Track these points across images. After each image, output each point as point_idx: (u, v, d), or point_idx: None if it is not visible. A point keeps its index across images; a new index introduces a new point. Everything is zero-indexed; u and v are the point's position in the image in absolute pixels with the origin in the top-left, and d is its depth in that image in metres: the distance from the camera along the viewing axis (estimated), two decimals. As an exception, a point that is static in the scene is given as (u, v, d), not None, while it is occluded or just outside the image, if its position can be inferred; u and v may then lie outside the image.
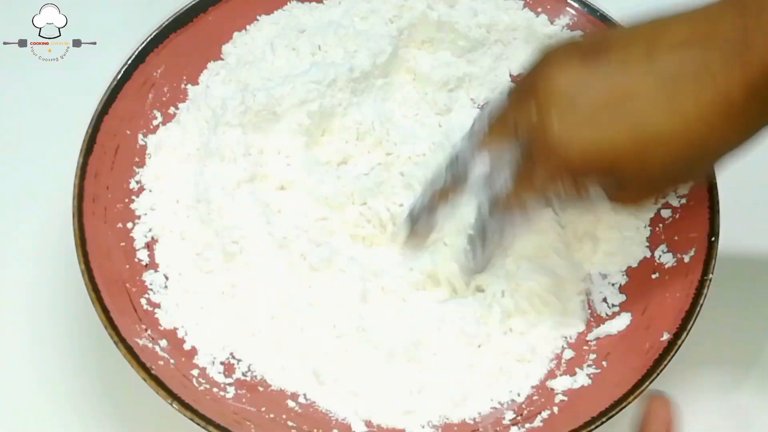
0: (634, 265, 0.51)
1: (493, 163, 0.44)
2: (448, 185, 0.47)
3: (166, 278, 0.49)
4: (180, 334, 0.47)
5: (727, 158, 0.42)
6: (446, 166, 0.47)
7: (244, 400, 0.45)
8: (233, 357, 0.47)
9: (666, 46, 0.41)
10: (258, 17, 0.58)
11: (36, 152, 0.61)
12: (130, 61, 0.53)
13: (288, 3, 0.59)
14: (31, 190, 0.59)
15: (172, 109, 0.54)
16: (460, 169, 0.46)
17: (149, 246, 0.50)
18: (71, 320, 0.53)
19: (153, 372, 0.43)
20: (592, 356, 0.48)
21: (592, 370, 0.47)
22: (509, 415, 0.46)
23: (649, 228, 0.52)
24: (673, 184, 0.47)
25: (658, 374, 0.44)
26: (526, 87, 0.43)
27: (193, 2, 0.56)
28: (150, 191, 0.51)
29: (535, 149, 0.42)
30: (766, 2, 0.39)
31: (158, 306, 0.47)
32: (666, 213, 0.52)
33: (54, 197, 0.55)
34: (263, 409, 0.45)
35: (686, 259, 0.49)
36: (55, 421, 0.50)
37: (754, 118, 0.41)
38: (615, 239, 0.52)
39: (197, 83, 0.56)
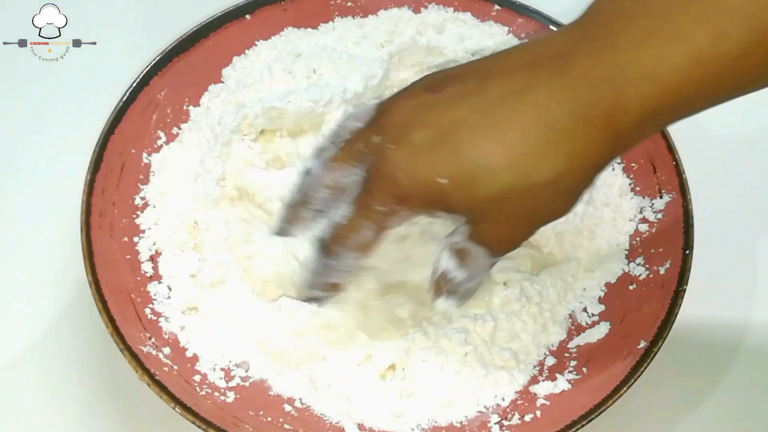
0: (613, 280, 0.53)
1: (337, 184, 0.45)
2: (298, 201, 0.48)
3: (170, 289, 0.50)
4: (182, 342, 0.49)
5: (584, 191, 0.40)
6: (297, 183, 0.48)
7: (243, 404, 0.47)
8: (232, 364, 0.49)
9: (499, 71, 0.40)
10: (256, 42, 0.60)
11: (36, 152, 0.61)
12: (134, 84, 0.54)
13: (284, 29, 0.60)
14: (32, 190, 0.59)
15: (175, 130, 0.56)
16: (308, 186, 0.47)
17: (153, 259, 0.51)
18: (79, 328, 0.53)
19: (157, 378, 0.44)
20: (573, 363, 0.50)
21: (572, 376, 0.49)
22: (494, 419, 0.47)
23: (628, 242, 0.55)
24: (531, 220, 0.42)
25: (635, 380, 0.46)
26: (378, 112, 0.44)
27: (196, 28, 0.58)
28: (154, 207, 0.53)
29: (373, 174, 0.42)
30: (601, 19, 0.38)
31: (162, 315, 0.49)
32: (643, 227, 0.55)
33: (61, 208, 0.56)
34: (261, 412, 0.46)
35: (662, 271, 0.51)
36: (62, 424, 0.51)
37: (584, 144, 0.38)
38: (594, 257, 0.53)
39: (199, 105, 0.57)
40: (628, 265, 0.54)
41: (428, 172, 0.40)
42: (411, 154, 0.41)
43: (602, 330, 0.51)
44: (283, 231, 0.51)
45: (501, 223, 0.42)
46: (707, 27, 0.36)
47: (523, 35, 0.61)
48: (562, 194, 0.41)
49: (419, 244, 0.50)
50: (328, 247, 0.46)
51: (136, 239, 0.51)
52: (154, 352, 0.47)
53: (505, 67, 0.40)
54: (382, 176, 0.42)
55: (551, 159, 0.39)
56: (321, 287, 0.48)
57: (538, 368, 0.50)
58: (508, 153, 0.39)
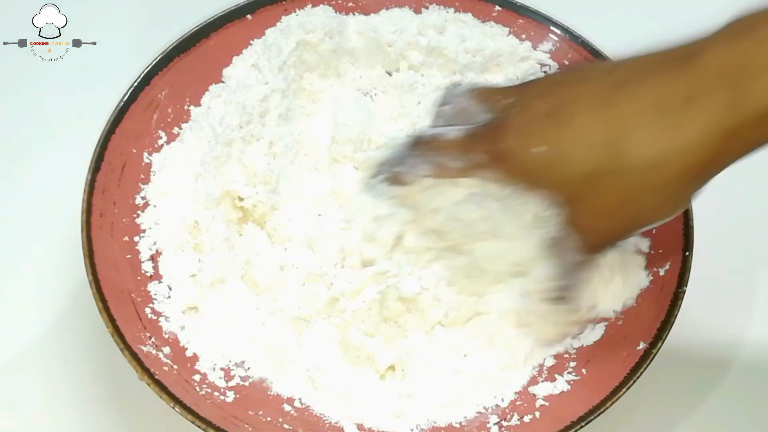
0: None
1: (464, 112, 0.46)
2: (445, 101, 0.48)
3: (170, 288, 0.50)
4: (182, 341, 0.49)
5: (689, 191, 0.40)
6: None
7: (242, 403, 0.47)
8: (232, 363, 0.49)
9: (626, 63, 0.40)
10: (251, 42, 0.59)
11: (36, 152, 0.61)
12: (136, 84, 0.54)
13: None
14: (32, 190, 0.59)
15: (176, 129, 0.56)
16: (454, 93, 0.48)
17: (153, 258, 0.51)
18: (79, 328, 0.53)
19: (157, 377, 0.45)
20: (572, 364, 0.50)
21: (572, 377, 0.49)
22: (493, 419, 0.48)
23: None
24: (630, 212, 0.41)
25: (635, 381, 0.46)
26: (526, 81, 0.46)
27: (196, 27, 0.58)
28: (155, 206, 0.53)
29: (492, 123, 0.43)
30: (736, 25, 0.37)
31: (162, 315, 0.49)
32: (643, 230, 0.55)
33: (61, 207, 0.56)
34: (261, 412, 0.47)
35: (661, 272, 0.51)
36: (62, 423, 0.51)
37: (691, 134, 0.37)
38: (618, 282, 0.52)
39: (200, 104, 0.57)
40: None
41: (532, 138, 0.41)
42: (525, 119, 0.42)
43: (599, 332, 0.51)
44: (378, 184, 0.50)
45: (598, 208, 0.41)
46: None
47: (523, 36, 0.61)
48: (662, 192, 0.39)
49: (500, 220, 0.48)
50: (419, 143, 0.47)
51: (136, 239, 0.51)
52: (154, 352, 0.47)
53: (633, 61, 0.40)
54: (496, 129, 0.43)
55: (651, 143, 0.37)
56: (386, 171, 0.49)
57: (537, 369, 0.50)
58: (610, 131, 0.38)
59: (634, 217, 0.41)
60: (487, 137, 0.44)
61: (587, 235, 0.43)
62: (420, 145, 0.47)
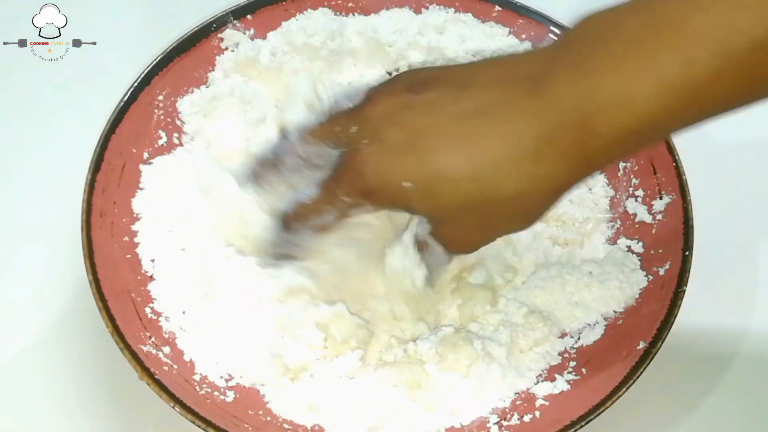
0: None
1: (309, 159, 0.46)
2: (268, 161, 0.49)
3: (170, 288, 0.50)
4: (182, 341, 0.49)
5: (545, 211, 0.41)
6: (274, 143, 0.49)
7: (242, 403, 0.47)
8: (231, 365, 0.48)
9: (478, 83, 0.41)
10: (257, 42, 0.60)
11: (36, 152, 0.61)
12: (136, 84, 0.54)
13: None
14: (32, 190, 0.60)
15: (175, 131, 0.56)
16: (282, 150, 0.48)
17: (153, 258, 0.51)
18: (79, 327, 0.53)
19: (157, 377, 0.45)
20: (572, 363, 0.50)
21: (572, 377, 0.49)
22: (493, 419, 0.48)
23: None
24: (490, 229, 0.43)
25: (635, 380, 0.46)
26: (362, 100, 0.45)
27: (197, 28, 0.58)
28: (155, 206, 0.53)
29: (343, 164, 0.43)
30: (577, 42, 0.38)
31: (162, 315, 0.49)
32: (643, 228, 0.55)
33: (61, 207, 0.56)
34: (260, 412, 0.47)
35: (661, 272, 0.51)
36: (62, 423, 0.51)
37: (550, 168, 0.39)
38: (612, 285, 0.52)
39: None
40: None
41: (394, 174, 0.41)
42: (381, 153, 0.42)
43: (598, 331, 0.51)
44: (248, 182, 0.50)
45: (460, 228, 0.43)
46: (677, 52, 0.35)
47: (523, 36, 0.62)
48: (523, 212, 0.41)
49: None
50: (288, 221, 0.47)
51: (136, 239, 0.52)
52: (154, 352, 0.47)
53: (483, 80, 0.41)
54: (351, 169, 0.43)
55: (514, 178, 0.39)
56: (275, 257, 0.49)
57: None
58: (473, 166, 0.39)
59: (495, 232, 0.44)
60: (345, 179, 0.43)
61: (448, 245, 0.45)
62: (290, 223, 0.47)
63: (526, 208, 0.41)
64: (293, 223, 0.46)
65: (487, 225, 0.43)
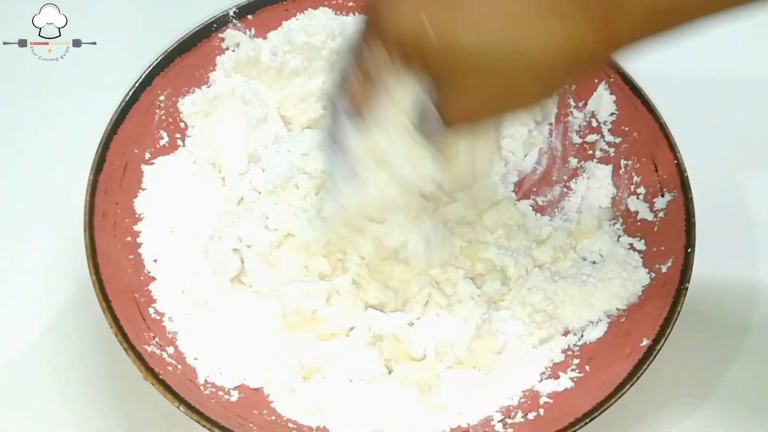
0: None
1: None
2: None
3: (173, 289, 0.50)
4: (186, 341, 0.49)
5: (561, 83, 0.40)
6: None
7: (247, 402, 0.47)
8: (234, 364, 0.49)
9: None
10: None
11: (37, 152, 0.61)
12: (137, 84, 0.54)
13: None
14: (34, 190, 0.60)
15: (177, 131, 0.56)
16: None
17: (156, 258, 0.51)
18: (83, 328, 0.54)
19: (161, 377, 0.45)
20: (576, 361, 0.50)
21: (575, 374, 0.49)
22: (498, 417, 0.48)
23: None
24: (497, 96, 0.41)
25: (638, 377, 0.46)
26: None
27: (197, 27, 0.58)
28: (157, 206, 0.53)
29: (367, 22, 0.42)
30: None
31: (165, 315, 0.49)
32: (645, 226, 0.55)
33: (63, 207, 0.56)
34: (265, 411, 0.47)
35: (664, 269, 0.51)
36: (65, 423, 0.51)
37: (574, 28, 0.38)
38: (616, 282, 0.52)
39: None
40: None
41: (415, 11, 0.39)
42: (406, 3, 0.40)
43: (601, 329, 0.51)
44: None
45: (467, 89, 0.41)
46: None
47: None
48: (540, 79, 0.40)
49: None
50: (333, 97, 0.46)
51: (138, 239, 0.52)
52: (158, 352, 0.47)
53: None
54: (374, 16, 0.41)
55: (536, 31, 0.38)
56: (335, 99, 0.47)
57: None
58: (497, 13, 0.39)
59: (502, 101, 0.42)
60: (367, 25, 0.42)
61: (449, 114, 0.43)
62: (333, 100, 0.46)
63: (544, 75, 0.40)
64: (337, 96, 0.45)
65: (497, 89, 0.41)
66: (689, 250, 0.51)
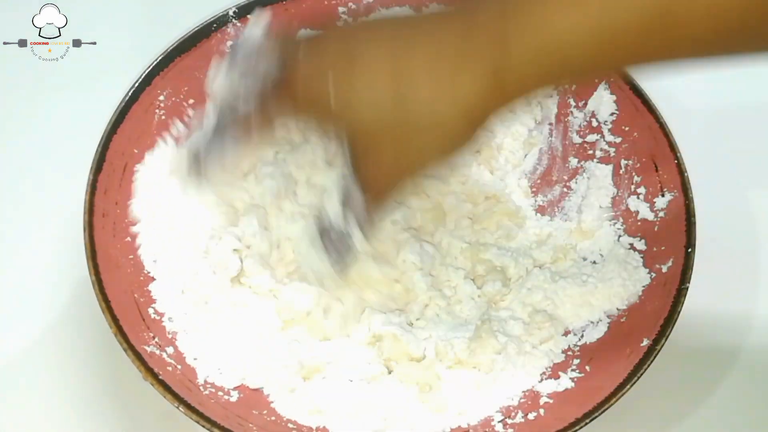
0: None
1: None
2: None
3: (172, 289, 0.50)
4: (185, 341, 0.49)
5: (468, 134, 0.41)
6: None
7: (247, 403, 0.47)
8: (234, 364, 0.49)
9: (415, 18, 0.42)
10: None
11: (37, 152, 0.61)
12: (137, 84, 0.54)
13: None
14: (33, 190, 0.60)
15: (176, 130, 0.56)
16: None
17: (155, 259, 0.51)
18: (82, 328, 0.54)
19: (161, 377, 0.45)
20: (576, 361, 0.50)
21: (575, 374, 0.49)
22: (498, 417, 0.48)
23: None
24: (407, 159, 0.42)
25: (638, 378, 0.46)
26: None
27: (197, 27, 0.57)
28: (156, 206, 0.53)
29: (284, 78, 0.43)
30: None
31: (165, 315, 0.49)
32: (645, 226, 0.55)
33: (63, 208, 0.56)
34: (265, 411, 0.47)
35: (664, 269, 0.51)
36: (64, 424, 0.51)
37: (466, 85, 0.39)
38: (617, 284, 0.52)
39: (201, 106, 0.56)
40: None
41: (323, 79, 0.41)
42: (318, 62, 0.42)
43: (601, 329, 0.51)
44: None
45: (378, 157, 0.42)
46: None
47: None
48: (439, 137, 0.40)
49: None
50: (222, 126, 0.46)
51: (138, 240, 0.51)
52: (157, 352, 0.47)
53: (421, 17, 0.42)
54: (290, 77, 0.42)
55: (431, 92, 0.39)
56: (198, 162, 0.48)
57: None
58: (394, 80, 0.39)
59: (413, 162, 0.43)
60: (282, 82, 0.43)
61: (367, 185, 0.44)
62: (224, 128, 0.46)
63: (442, 133, 0.40)
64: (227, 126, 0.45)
65: (403, 153, 0.41)
66: (689, 250, 0.51)
